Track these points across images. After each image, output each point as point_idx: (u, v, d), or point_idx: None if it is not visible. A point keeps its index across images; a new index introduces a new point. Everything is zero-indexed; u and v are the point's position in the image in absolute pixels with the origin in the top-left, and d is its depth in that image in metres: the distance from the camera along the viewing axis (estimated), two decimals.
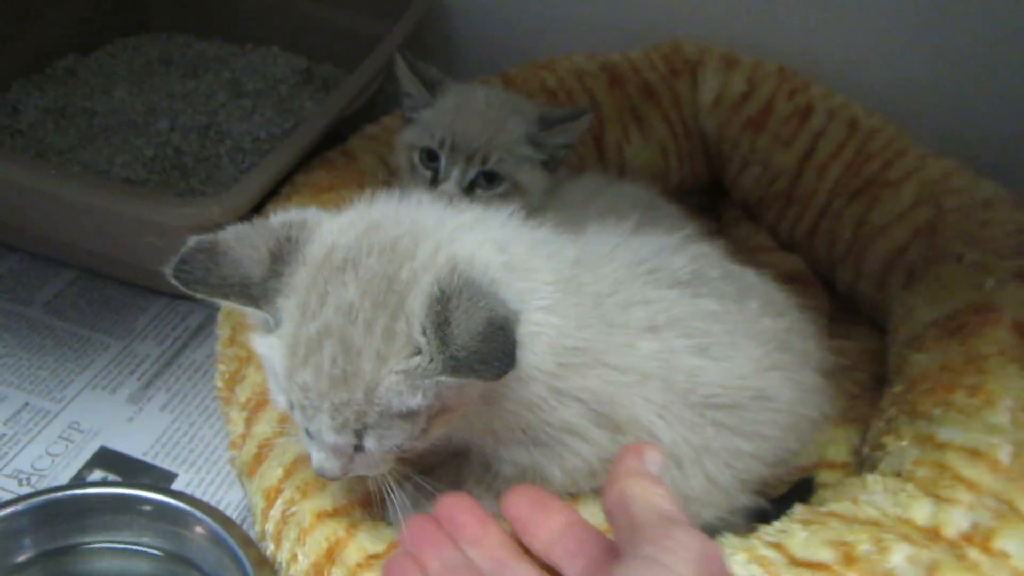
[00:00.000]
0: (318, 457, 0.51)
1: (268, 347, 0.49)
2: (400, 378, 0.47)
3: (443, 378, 0.46)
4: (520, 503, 0.51)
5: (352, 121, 0.97)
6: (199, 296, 0.50)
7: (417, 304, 0.47)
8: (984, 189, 0.85)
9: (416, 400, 0.47)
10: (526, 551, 0.50)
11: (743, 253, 0.95)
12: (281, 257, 0.50)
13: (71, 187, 0.81)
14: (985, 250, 0.78)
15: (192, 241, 0.50)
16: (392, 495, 0.54)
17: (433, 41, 1.18)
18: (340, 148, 0.92)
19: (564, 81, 0.99)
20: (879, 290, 0.87)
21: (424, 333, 0.47)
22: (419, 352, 0.47)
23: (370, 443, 0.49)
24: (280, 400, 0.50)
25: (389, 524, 0.58)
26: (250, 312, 0.50)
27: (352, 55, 1.07)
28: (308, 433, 0.50)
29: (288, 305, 0.49)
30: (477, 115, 0.80)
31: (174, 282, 0.50)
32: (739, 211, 1.03)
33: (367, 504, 0.59)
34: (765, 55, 1.00)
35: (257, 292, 0.49)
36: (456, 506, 0.52)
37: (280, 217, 0.52)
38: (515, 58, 1.02)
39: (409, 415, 0.48)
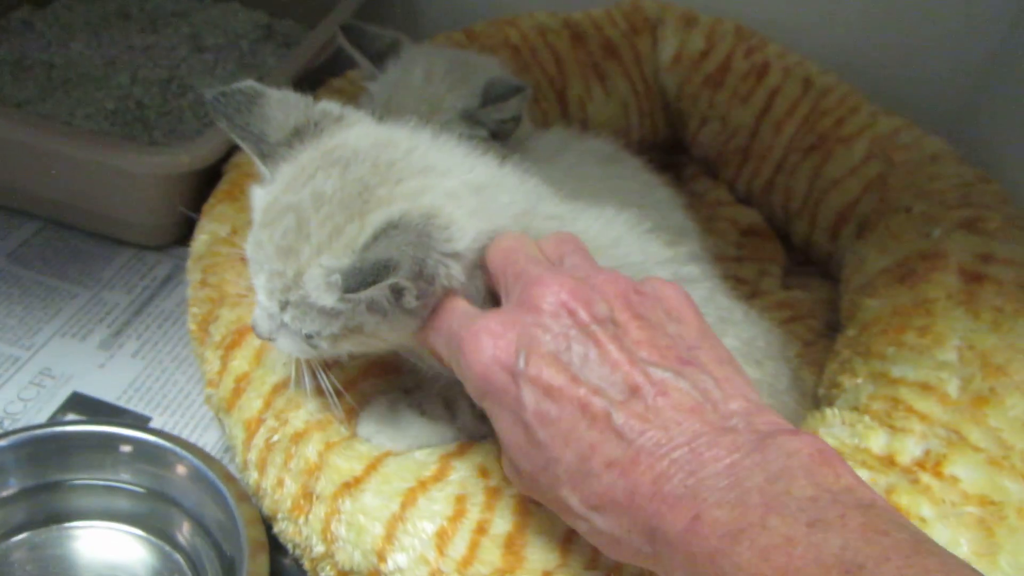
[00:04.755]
0: (254, 312, 0.54)
1: (258, 197, 0.54)
2: (322, 272, 0.49)
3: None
4: None
5: (317, 75, 0.98)
6: (222, 126, 0.55)
7: (375, 220, 0.49)
8: (931, 145, 0.88)
9: (327, 300, 0.49)
10: None
11: (702, 207, 0.99)
12: (301, 135, 0.54)
13: (40, 135, 0.81)
14: (932, 202, 0.81)
15: (244, 82, 0.55)
16: (331, 396, 0.57)
17: None
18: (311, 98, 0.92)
19: (527, 37, 1.00)
20: (832, 241, 0.91)
21: (365, 248, 0.48)
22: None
23: (286, 318, 0.51)
24: (246, 247, 0.53)
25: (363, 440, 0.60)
26: (256, 162, 0.55)
27: (313, 11, 1.08)
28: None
29: (284, 171, 0.53)
30: (411, 92, 0.79)
31: (209, 105, 0.54)
32: (698, 167, 1.05)
33: (348, 420, 0.61)
34: (723, 14, 1.02)
35: (267, 150, 0.54)
36: None
37: (324, 104, 0.56)
38: (480, 14, 1.03)
39: (324, 313, 0.50)
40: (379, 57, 0.82)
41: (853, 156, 0.90)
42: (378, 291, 0.49)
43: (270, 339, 0.54)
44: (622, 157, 0.89)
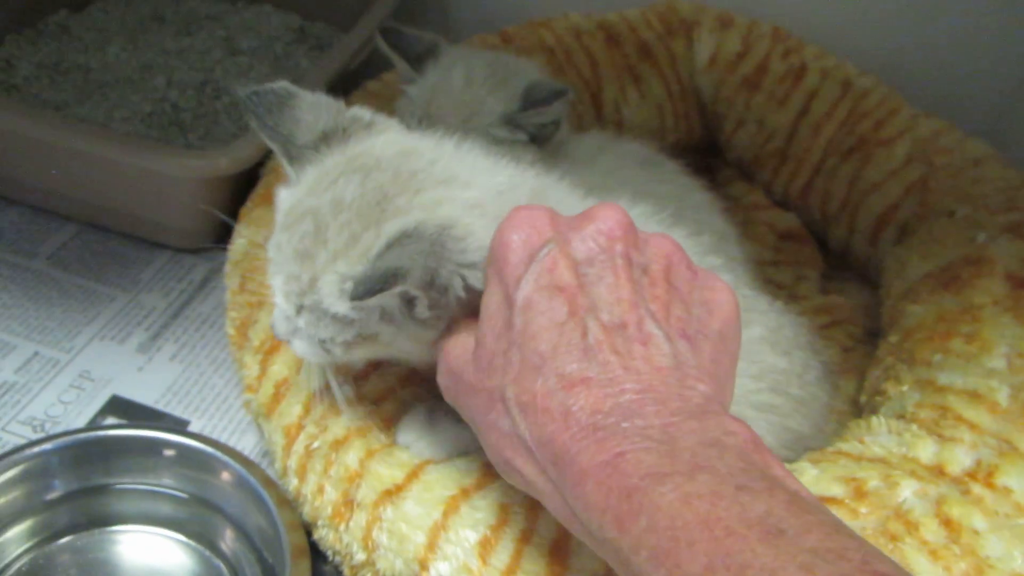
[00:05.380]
0: (274, 313, 0.54)
1: (282, 198, 0.54)
2: (337, 279, 0.49)
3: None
4: None
5: (351, 78, 0.98)
6: (252, 125, 0.55)
7: (390, 229, 0.49)
8: (973, 148, 0.87)
9: (340, 307, 0.49)
10: None
11: (738, 211, 0.98)
12: (328, 140, 0.54)
13: (78, 138, 0.81)
14: (976, 205, 0.80)
15: (279, 82, 0.56)
16: (333, 388, 0.57)
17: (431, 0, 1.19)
18: (343, 102, 0.92)
19: (562, 39, 0.99)
20: (871, 246, 0.90)
21: (378, 256, 0.48)
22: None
23: (301, 322, 0.51)
24: (268, 247, 0.54)
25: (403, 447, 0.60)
26: (283, 163, 0.55)
27: (345, 14, 1.08)
28: None
29: (309, 174, 0.53)
30: (452, 96, 0.79)
31: (241, 103, 0.55)
32: (733, 170, 1.04)
33: (387, 428, 0.61)
34: (759, 16, 1.01)
35: (295, 152, 0.54)
36: None
37: (355, 110, 0.56)
38: (514, 17, 1.03)
39: (338, 319, 0.50)
40: (417, 60, 0.81)
41: (893, 159, 0.89)
42: (387, 299, 0.48)
43: (287, 340, 0.54)
44: (660, 160, 0.88)
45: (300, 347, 0.54)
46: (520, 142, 0.79)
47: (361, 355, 0.54)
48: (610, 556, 0.40)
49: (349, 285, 0.48)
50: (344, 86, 0.96)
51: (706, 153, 1.08)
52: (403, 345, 0.52)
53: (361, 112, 0.57)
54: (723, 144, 1.04)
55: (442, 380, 0.50)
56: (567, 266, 0.45)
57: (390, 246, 0.47)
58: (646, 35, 1.01)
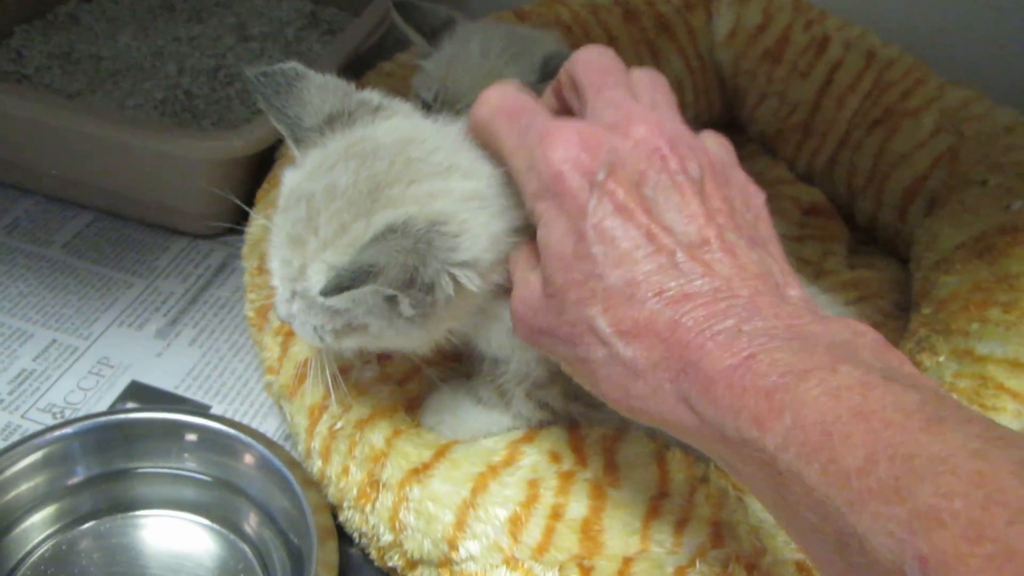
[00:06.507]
0: (277, 294, 0.53)
1: (286, 179, 0.53)
2: (324, 268, 0.48)
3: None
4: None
5: (363, 60, 0.97)
6: (260, 105, 0.54)
7: (379, 221, 0.47)
8: (1004, 116, 0.85)
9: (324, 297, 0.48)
10: None
11: (762, 186, 0.96)
12: (333, 123, 0.52)
13: (92, 124, 0.80)
14: (1008, 174, 0.78)
15: (289, 63, 0.55)
16: (336, 382, 0.56)
17: None
18: (356, 84, 0.91)
19: (579, 15, 0.98)
20: (900, 219, 0.88)
21: (360, 250, 0.46)
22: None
23: (294, 308, 0.51)
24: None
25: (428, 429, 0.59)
26: (290, 144, 0.54)
27: None
28: None
29: (312, 157, 0.52)
30: (469, 67, 0.78)
31: (250, 84, 0.54)
32: (756, 145, 1.03)
33: (411, 408, 0.60)
34: None
35: (300, 134, 0.53)
36: None
37: (364, 94, 0.55)
38: None
39: (326, 308, 0.49)
40: (433, 34, 0.80)
41: (921, 130, 0.87)
42: (361, 296, 0.47)
43: (289, 323, 0.53)
44: None
45: (298, 331, 0.53)
46: None
47: (353, 345, 0.52)
48: (749, 458, 0.37)
49: (333, 275, 0.46)
50: (356, 69, 0.95)
51: (727, 128, 1.06)
52: (394, 339, 0.51)
53: (370, 96, 0.55)
54: (745, 119, 1.02)
55: (518, 331, 0.48)
56: (629, 189, 0.43)
57: (375, 240, 0.46)
58: (664, 9, 1.00)
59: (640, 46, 0.98)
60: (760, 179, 0.95)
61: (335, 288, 0.44)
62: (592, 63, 0.49)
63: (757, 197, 0.48)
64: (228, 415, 0.71)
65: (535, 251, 0.46)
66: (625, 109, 0.45)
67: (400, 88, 0.89)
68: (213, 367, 0.75)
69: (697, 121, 1.01)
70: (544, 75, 0.76)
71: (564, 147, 0.43)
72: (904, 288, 0.84)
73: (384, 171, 0.49)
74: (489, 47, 0.78)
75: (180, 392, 0.73)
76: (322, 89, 0.54)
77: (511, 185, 0.50)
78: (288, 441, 0.67)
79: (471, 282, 0.47)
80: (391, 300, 0.48)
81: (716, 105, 1.03)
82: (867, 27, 0.95)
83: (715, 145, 0.48)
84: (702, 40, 1.00)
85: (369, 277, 0.44)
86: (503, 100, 0.49)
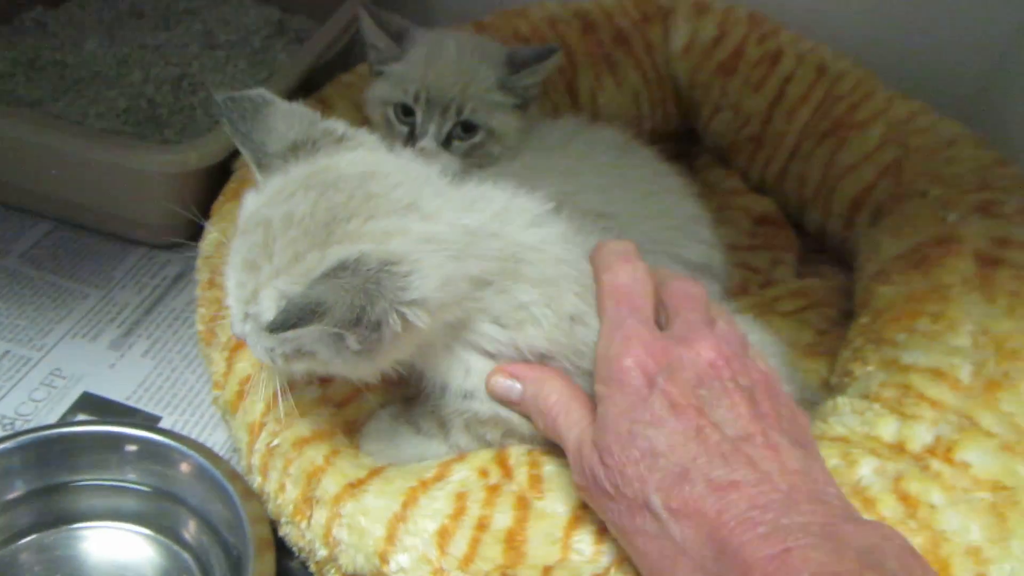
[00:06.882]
0: (231, 314, 0.54)
1: (247, 203, 0.54)
2: (276, 295, 0.48)
3: None
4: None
5: (326, 70, 0.98)
6: (225, 128, 0.55)
7: (332, 256, 0.48)
8: (948, 128, 0.86)
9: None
10: None
11: (715, 196, 0.98)
12: (298, 151, 0.54)
13: (49, 135, 0.81)
14: (948, 186, 0.80)
15: (256, 90, 0.56)
16: (279, 398, 0.56)
17: None
18: (316, 96, 0.92)
19: (537, 28, 0.99)
20: (847, 228, 0.89)
21: (311, 284, 0.47)
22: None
23: (246, 328, 0.52)
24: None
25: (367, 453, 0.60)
26: (253, 169, 0.55)
27: (324, 6, 1.07)
28: None
29: (273, 183, 0.53)
30: (448, 65, 0.81)
31: (217, 107, 0.55)
32: (711, 156, 1.04)
33: (350, 431, 0.61)
34: (736, 1, 1.01)
35: (264, 160, 0.54)
36: None
37: (329, 123, 0.56)
38: (489, 6, 1.02)
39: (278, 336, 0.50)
40: (398, 38, 0.82)
41: (868, 141, 0.88)
42: (307, 334, 0.48)
43: (243, 340, 0.54)
44: (633, 147, 0.88)
45: (252, 350, 0.54)
46: (510, 106, 0.82)
47: (302, 369, 0.53)
48: None
49: (283, 303, 0.47)
50: (321, 79, 0.96)
51: (684, 139, 1.08)
52: (341, 369, 0.52)
53: (335, 125, 0.56)
54: (700, 130, 1.04)
55: (577, 480, 0.52)
56: (684, 391, 0.49)
57: (325, 276, 0.47)
58: (622, 22, 1.01)
59: (598, 59, 1.00)
60: (713, 190, 0.98)
61: (281, 325, 0.45)
62: (678, 290, 0.56)
63: (803, 417, 0.53)
64: (179, 426, 0.72)
65: (585, 411, 0.52)
66: (696, 330, 0.52)
67: (359, 100, 0.91)
68: (165, 378, 0.76)
69: (654, 133, 1.03)
70: (518, 66, 0.81)
71: (635, 354, 0.50)
72: (851, 296, 0.85)
73: (342, 204, 0.50)
74: (463, 47, 0.81)
75: (132, 403, 0.74)
76: (288, 116, 0.55)
77: (474, 235, 0.52)
78: (235, 455, 0.68)
79: (420, 320, 0.48)
80: (338, 336, 0.49)
81: (673, 117, 1.04)
82: (823, 39, 0.97)
83: (767, 367, 0.54)
84: (659, 53, 1.02)
85: (315, 316, 0.45)
86: (627, 280, 0.55)
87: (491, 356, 0.55)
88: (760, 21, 0.99)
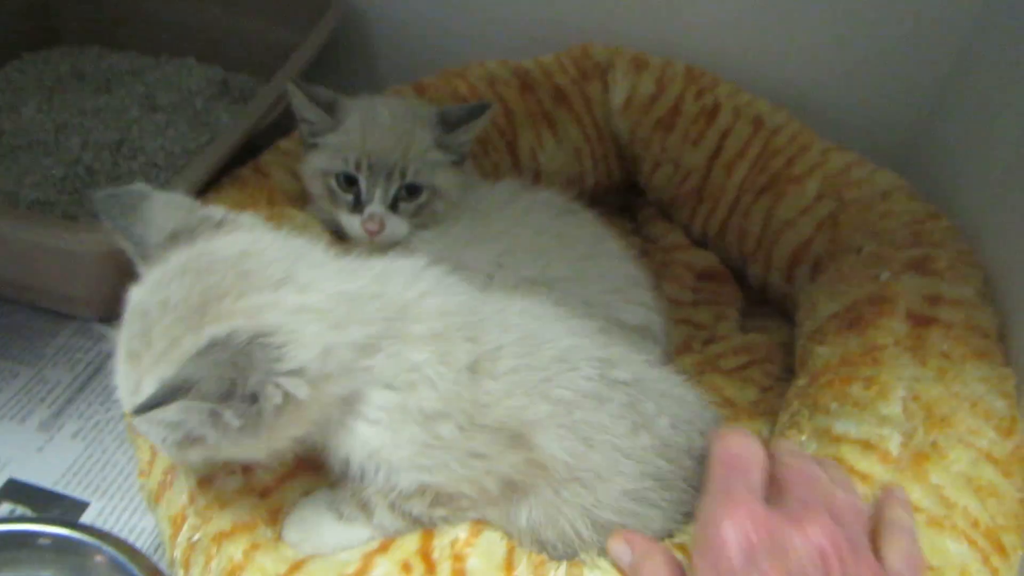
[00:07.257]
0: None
1: (132, 294, 0.53)
2: (157, 383, 0.48)
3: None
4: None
5: (268, 132, 0.97)
6: (105, 224, 0.56)
7: (207, 334, 0.48)
8: (883, 180, 0.87)
9: (160, 412, 0.48)
10: None
11: (657, 252, 0.98)
12: (177, 240, 0.54)
13: None
14: (882, 241, 0.80)
15: (136, 185, 0.57)
16: (195, 493, 0.56)
17: (348, 50, 1.18)
18: (252, 164, 0.91)
19: (476, 88, 0.99)
20: (788, 283, 0.89)
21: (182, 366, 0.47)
22: None
23: (135, 422, 0.52)
24: None
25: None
26: (136, 262, 0.55)
27: (268, 65, 1.06)
28: None
29: (153, 274, 0.53)
30: (386, 130, 0.82)
31: (95, 205, 0.56)
32: (654, 209, 1.04)
33: (275, 521, 0.59)
34: (674, 54, 1.01)
35: (144, 252, 0.54)
36: None
37: (207, 210, 0.56)
38: (431, 66, 1.02)
39: (164, 422, 0.50)
40: (329, 109, 0.83)
41: (805, 195, 0.89)
42: (176, 411, 0.48)
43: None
44: (574, 209, 0.88)
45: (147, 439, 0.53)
46: (448, 163, 0.84)
47: (197, 456, 0.52)
48: None
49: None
50: (265, 139, 0.95)
51: (629, 192, 1.08)
52: (232, 450, 0.51)
53: (214, 211, 0.57)
54: (643, 184, 1.04)
55: (700, 540, 0.50)
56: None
57: (197, 355, 0.47)
58: (561, 80, 1.01)
59: (537, 117, 1.00)
60: (656, 245, 0.98)
61: (147, 405, 0.45)
62: (794, 466, 0.53)
63: None
64: (108, 512, 0.70)
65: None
66: (811, 509, 0.49)
67: (296, 167, 0.90)
68: (95, 461, 0.75)
69: (598, 188, 1.03)
70: (447, 128, 0.82)
71: (738, 521, 0.48)
72: (794, 351, 0.85)
73: (216, 285, 0.50)
74: (396, 112, 0.83)
75: (59, 489, 0.72)
76: (167, 207, 0.56)
77: (353, 300, 0.51)
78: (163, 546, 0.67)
79: (299, 391, 0.48)
80: (214, 413, 0.48)
81: (615, 172, 1.05)
82: (760, 91, 0.98)
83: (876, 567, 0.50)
84: (599, 109, 1.02)
85: (181, 392, 0.45)
86: (739, 450, 0.53)
87: (375, 423, 0.54)
88: (697, 76, 1.00)
